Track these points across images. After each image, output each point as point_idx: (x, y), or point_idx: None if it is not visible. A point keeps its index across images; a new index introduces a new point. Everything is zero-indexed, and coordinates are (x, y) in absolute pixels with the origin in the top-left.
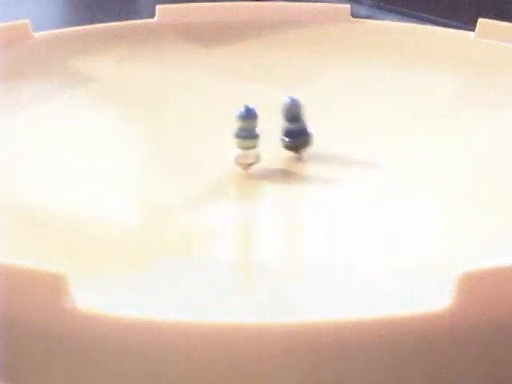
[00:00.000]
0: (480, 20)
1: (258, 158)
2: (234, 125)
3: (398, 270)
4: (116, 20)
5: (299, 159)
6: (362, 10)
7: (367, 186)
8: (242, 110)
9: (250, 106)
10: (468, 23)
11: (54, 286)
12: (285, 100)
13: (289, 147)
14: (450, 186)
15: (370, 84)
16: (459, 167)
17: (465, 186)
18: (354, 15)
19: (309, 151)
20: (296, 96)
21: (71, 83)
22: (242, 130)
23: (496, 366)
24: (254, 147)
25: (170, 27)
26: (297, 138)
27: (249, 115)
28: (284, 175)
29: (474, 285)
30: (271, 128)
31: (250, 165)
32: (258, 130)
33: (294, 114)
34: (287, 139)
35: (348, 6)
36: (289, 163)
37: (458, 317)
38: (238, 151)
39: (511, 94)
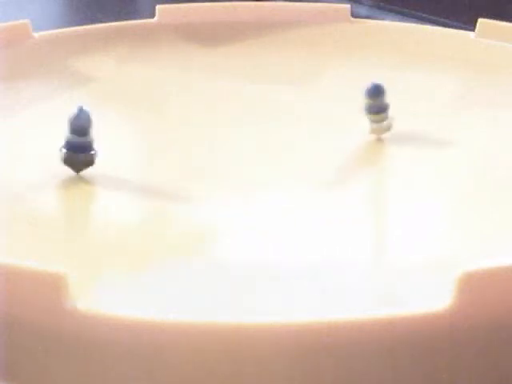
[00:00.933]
0: (480, 20)
1: (389, 127)
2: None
3: (398, 270)
4: (116, 20)
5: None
6: (362, 10)
7: (366, 185)
8: (370, 86)
9: (377, 83)
10: (468, 23)
11: (54, 286)
12: (72, 112)
13: (66, 161)
14: (449, 186)
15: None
16: (459, 167)
17: (465, 185)
18: (354, 15)
19: (314, 147)
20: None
21: (71, 83)
22: (371, 106)
23: (496, 365)
24: (384, 120)
25: (170, 27)
26: (79, 152)
27: (376, 92)
28: (287, 174)
29: (474, 285)
30: (272, 127)
31: (385, 132)
32: (387, 104)
33: (81, 126)
34: (65, 151)
35: (348, 6)
36: (294, 161)
37: (458, 317)
38: (372, 124)
39: (511, 94)
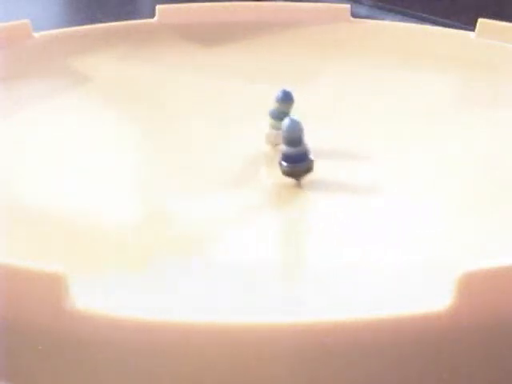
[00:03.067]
0: (480, 20)
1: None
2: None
3: (398, 270)
4: (116, 20)
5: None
6: (362, 10)
7: (367, 186)
8: (280, 93)
9: (287, 90)
10: (468, 23)
11: (54, 286)
12: (284, 121)
13: (288, 173)
14: (449, 186)
15: (370, 84)
16: (459, 167)
17: (465, 186)
18: (354, 15)
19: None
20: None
21: (71, 83)
22: (277, 111)
23: (496, 365)
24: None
25: (170, 27)
26: (297, 163)
27: (285, 99)
28: (277, 178)
29: (474, 285)
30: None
31: (278, 144)
32: (292, 113)
33: (294, 137)
34: (285, 164)
35: (348, 5)
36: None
37: (458, 317)
38: (270, 130)
39: (511, 94)
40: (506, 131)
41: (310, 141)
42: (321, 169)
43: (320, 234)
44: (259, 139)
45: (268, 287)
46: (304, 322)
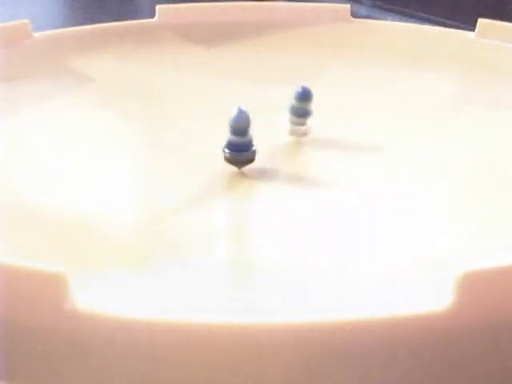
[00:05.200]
0: (480, 20)
1: (306, 133)
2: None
3: (398, 270)
4: (116, 20)
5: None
6: (362, 10)
7: (366, 185)
8: (299, 90)
9: (306, 88)
10: (468, 23)
11: (54, 285)
12: (233, 113)
13: (229, 161)
14: (449, 186)
15: (370, 84)
16: (459, 167)
17: (464, 186)
18: (354, 15)
19: (312, 146)
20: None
21: (71, 83)
22: (295, 108)
23: (496, 365)
24: (303, 125)
25: (170, 27)
26: (240, 152)
27: (303, 96)
28: (281, 174)
29: (473, 285)
30: (271, 126)
31: (302, 136)
32: (310, 111)
33: (241, 127)
34: (228, 152)
35: (348, 5)
36: (288, 163)
37: (458, 317)
38: (291, 126)
39: (511, 94)
40: (506, 131)
41: (310, 140)
42: (319, 169)
43: (320, 232)
44: (260, 138)
45: (268, 287)
46: (304, 322)
